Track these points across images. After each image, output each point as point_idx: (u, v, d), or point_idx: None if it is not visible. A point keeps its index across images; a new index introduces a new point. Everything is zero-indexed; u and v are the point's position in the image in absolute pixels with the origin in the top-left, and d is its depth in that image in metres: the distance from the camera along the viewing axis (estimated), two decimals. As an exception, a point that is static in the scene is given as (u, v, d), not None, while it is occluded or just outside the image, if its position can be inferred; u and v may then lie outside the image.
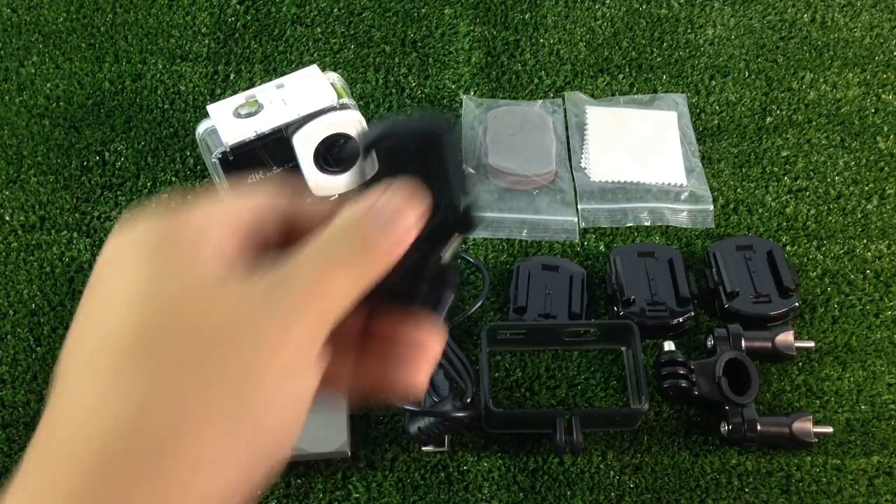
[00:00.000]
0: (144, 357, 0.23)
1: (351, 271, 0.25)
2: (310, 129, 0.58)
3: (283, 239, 0.28)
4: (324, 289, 0.25)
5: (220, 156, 0.57)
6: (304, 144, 0.58)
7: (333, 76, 0.62)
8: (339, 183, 0.59)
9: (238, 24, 0.84)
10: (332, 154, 0.59)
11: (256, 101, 0.59)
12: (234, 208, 0.27)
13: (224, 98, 0.62)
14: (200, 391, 0.23)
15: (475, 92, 0.79)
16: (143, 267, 0.24)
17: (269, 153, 0.58)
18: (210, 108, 0.59)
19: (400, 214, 0.26)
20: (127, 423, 0.22)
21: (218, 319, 0.23)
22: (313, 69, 0.61)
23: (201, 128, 0.59)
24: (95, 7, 0.85)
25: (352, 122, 0.59)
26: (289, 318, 0.24)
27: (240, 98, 0.59)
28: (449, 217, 0.28)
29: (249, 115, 0.58)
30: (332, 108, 0.58)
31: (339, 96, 0.60)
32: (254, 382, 0.23)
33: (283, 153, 0.59)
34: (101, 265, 0.25)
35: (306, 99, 0.58)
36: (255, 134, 0.57)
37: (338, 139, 0.58)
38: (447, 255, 0.29)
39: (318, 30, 0.83)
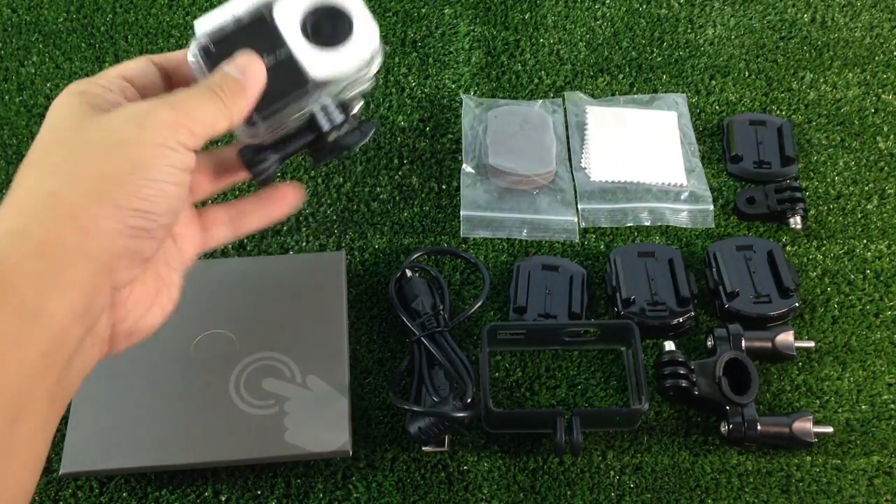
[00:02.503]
0: (53, 165, 0.38)
1: (211, 102, 0.40)
2: (291, 1, 0.51)
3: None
4: (182, 110, 0.39)
5: (198, 51, 0.48)
6: (287, 17, 0.50)
7: None
8: (339, 59, 0.51)
9: (238, 23, 0.84)
10: (324, 27, 0.51)
11: None
12: (117, 70, 0.42)
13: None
14: (90, 186, 0.37)
15: (475, 92, 0.79)
16: (64, 114, 0.39)
17: (255, 42, 0.50)
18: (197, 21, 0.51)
19: (244, 63, 0.43)
20: (50, 197, 0.37)
21: (101, 135, 0.38)
22: None
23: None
24: (95, 7, 0.85)
25: None
26: (147, 125, 0.38)
27: None
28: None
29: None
30: None
31: None
32: (123, 172, 0.37)
33: (271, 41, 0.51)
34: (49, 112, 0.40)
35: None
36: (232, 17, 0.49)
37: (328, 11, 0.51)
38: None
39: (318, 30, 0.83)
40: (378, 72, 0.51)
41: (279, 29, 0.50)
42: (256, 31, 0.50)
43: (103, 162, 0.37)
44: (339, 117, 0.52)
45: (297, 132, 0.51)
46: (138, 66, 0.43)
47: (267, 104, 0.50)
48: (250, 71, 0.42)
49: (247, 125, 0.49)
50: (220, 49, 0.48)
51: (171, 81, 0.44)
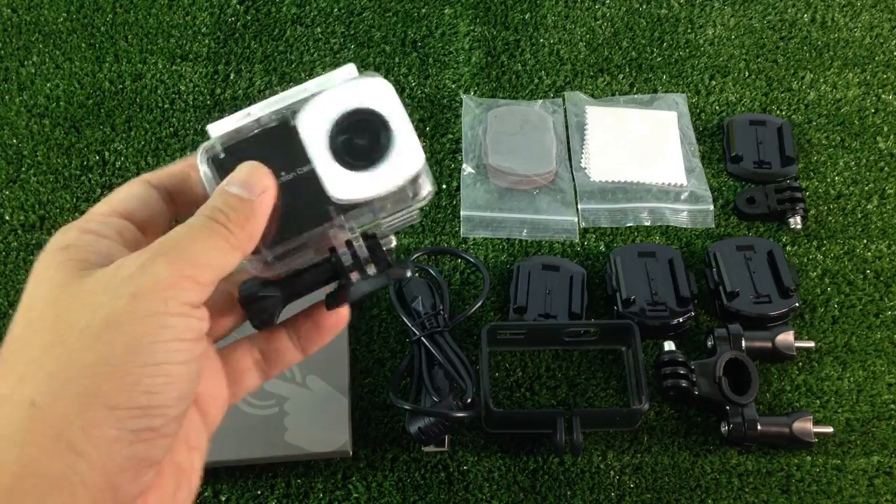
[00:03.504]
0: (29, 362, 0.29)
1: (214, 236, 0.32)
2: (319, 105, 0.41)
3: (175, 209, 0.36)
4: (182, 258, 0.30)
5: (207, 160, 0.39)
6: (314, 125, 0.41)
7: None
8: (370, 179, 0.41)
9: (238, 24, 0.84)
10: (356, 141, 0.41)
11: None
12: (110, 206, 0.34)
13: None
14: (77, 387, 0.28)
15: (475, 92, 0.79)
16: (43, 282, 0.31)
17: (273, 154, 0.41)
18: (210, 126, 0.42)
19: (247, 175, 0.34)
20: (28, 411, 0.28)
21: (86, 312, 0.29)
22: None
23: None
24: (95, 7, 0.85)
25: (380, 94, 0.41)
26: (140, 291, 0.29)
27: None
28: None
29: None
30: (349, 80, 0.42)
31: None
32: (115, 361, 0.29)
33: (293, 153, 0.41)
34: (30, 277, 0.32)
35: (319, 79, 0.42)
36: (249, 118, 0.40)
37: (362, 119, 0.41)
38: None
39: (318, 30, 0.83)
40: (427, 203, 0.41)
41: (303, 139, 0.41)
42: (277, 140, 0.41)
43: (89, 351, 0.29)
44: (364, 254, 0.41)
45: (311, 268, 0.40)
46: (134, 195, 0.35)
47: (278, 230, 0.40)
48: (258, 185, 0.34)
49: (252, 254, 0.39)
50: (233, 158, 0.39)
51: (176, 202, 0.37)
